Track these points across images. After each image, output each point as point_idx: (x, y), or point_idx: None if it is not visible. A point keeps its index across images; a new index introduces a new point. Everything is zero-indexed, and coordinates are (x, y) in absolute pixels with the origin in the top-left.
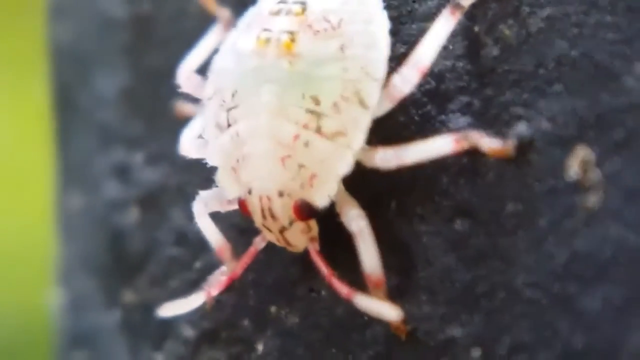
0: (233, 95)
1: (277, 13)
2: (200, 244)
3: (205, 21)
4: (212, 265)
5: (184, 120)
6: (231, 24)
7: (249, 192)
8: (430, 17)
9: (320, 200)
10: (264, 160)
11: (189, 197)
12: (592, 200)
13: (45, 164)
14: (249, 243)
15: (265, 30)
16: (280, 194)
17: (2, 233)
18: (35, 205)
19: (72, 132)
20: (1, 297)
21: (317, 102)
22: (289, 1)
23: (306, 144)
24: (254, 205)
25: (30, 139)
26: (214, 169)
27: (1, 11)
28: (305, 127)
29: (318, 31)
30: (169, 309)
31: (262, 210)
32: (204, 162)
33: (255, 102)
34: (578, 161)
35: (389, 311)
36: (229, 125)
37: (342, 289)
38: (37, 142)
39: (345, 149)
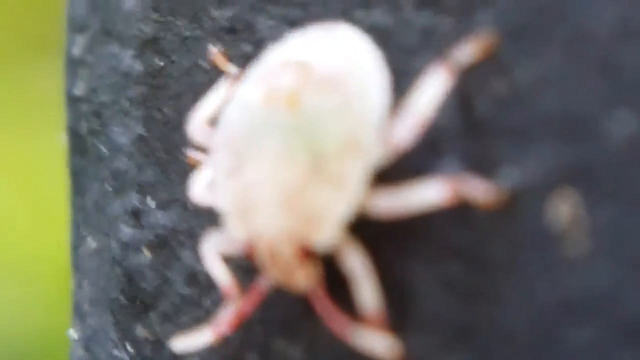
0: (240, 145)
1: (283, 67)
2: (209, 284)
3: (215, 75)
4: (221, 303)
5: (194, 168)
6: (238, 78)
7: (257, 236)
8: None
9: (324, 243)
10: (271, 206)
11: (199, 240)
12: (579, 248)
13: (62, 208)
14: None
15: (272, 84)
16: (287, 238)
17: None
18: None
19: (87, 178)
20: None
21: (321, 151)
22: (294, 57)
23: (311, 191)
24: (260, 248)
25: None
26: (222, 214)
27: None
28: (310, 174)
29: (322, 86)
30: (180, 344)
31: (269, 253)
32: (213, 207)
33: (262, 151)
34: (564, 210)
35: (386, 351)
36: (236, 174)
37: (341, 331)
38: (56, 190)
39: (347, 196)
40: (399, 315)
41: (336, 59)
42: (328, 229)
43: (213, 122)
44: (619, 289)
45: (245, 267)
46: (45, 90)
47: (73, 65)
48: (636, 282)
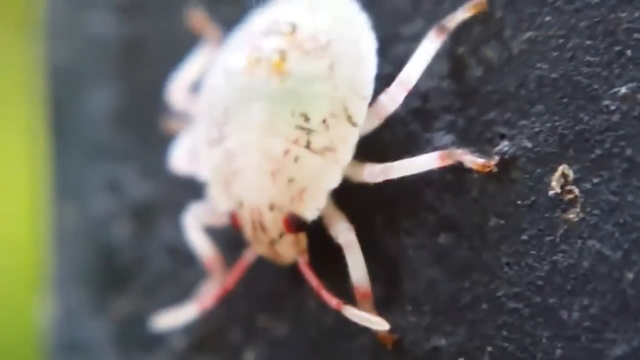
0: (224, 112)
1: (268, 33)
2: (190, 257)
3: (194, 41)
4: (202, 277)
5: (173, 137)
6: (220, 43)
7: (240, 205)
8: (416, 38)
9: (310, 214)
10: (255, 175)
11: (179, 211)
12: (571, 215)
13: (34, 179)
14: (238, 256)
15: (256, 49)
16: (271, 208)
17: None
18: (22, 219)
19: (64, 147)
20: None
21: (306, 119)
22: (279, 22)
23: (296, 159)
24: (244, 218)
25: (16, 154)
26: (203, 184)
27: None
28: (295, 142)
29: (308, 51)
30: (163, 321)
31: (253, 223)
32: (194, 177)
33: (246, 118)
34: (557, 178)
35: (376, 321)
36: (220, 141)
37: (331, 300)
38: (23, 157)
39: (333, 164)
40: (390, 289)
41: (323, 23)
42: (314, 200)
43: (194, 88)
44: (613, 255)
45: (228, 239)
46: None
47: (51, 32)
48: (628, 248)
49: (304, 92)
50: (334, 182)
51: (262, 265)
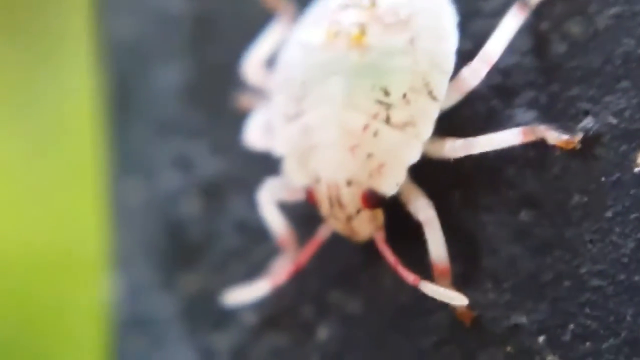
0: (302, 87)
1: (347, 7)
2: (260, 233)
3: (267, 16)
4: (273, 254)
5: (245, 113)
6: (294, 18)
7: (317, 180)
8: (497, 14)
9: (388, 189)
10: (333, 150)
11: (250, 188)
12: None
13: (100, 155)
14: (311, 232)
15: (335, 23)
16: (349, 183)
17: (57, 226)
18: (87, 196)
19: (129, 122)
20: (59, 286)
21: (386, 93)
22: None
23: (375, 134)
24: (321, 193)
25: (79, 131)
26: (275, 161)
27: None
28: (375, 117)
29: (388, 24)
30: (235, 297)
31: (330, 199)
32: (266, 154)
33: (325, 93)
34: None
35: (455, 297)
36: (297, 116)
37: (409, 276)
38: (86, 134)
39: (413, 139)
40: (469, 266)
41: None
42: (393, 175)
43: (269, 63)
44: None
45: (302, 216)
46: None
47: (115, 7)
48: None
49: (384, 66)
50: (414, 157)
51: (335, 241)
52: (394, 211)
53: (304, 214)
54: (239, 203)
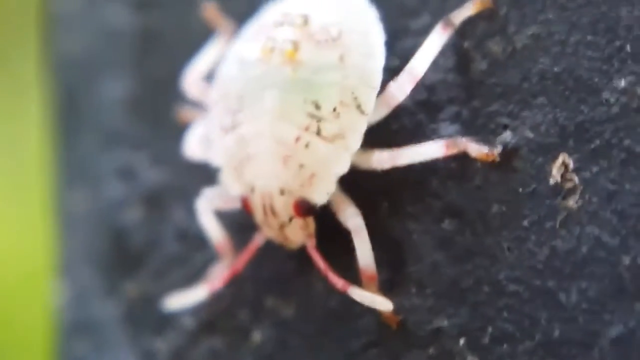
0: (238, 100)
1: (281, 24)
2: (200, 241)
3: (208, 32)
4: (211, 260)
5: (186, 125)
6: (232, 35)
7: (252, 190)
8: (423, 32)
9: (319, 198)
10: (267, 160)
11: (190, 197)
12: (571, 203)
13: (47, 166)
14: (246, 240)
15: (270, 39)
16: (282, 192)
17: (4, 233)
18: (34, 204)
19: (75, 134)
20: (6, 291)
21: (317, 106)
22: (292, 13)
23: (307, 146)
24: (255, 202)
25: (27, 141)
26: (214, 171)
27: None
28: (306, 129)
29: (319, 41)
30: (174, 302)
31: (264, 207)
32: (206, 164)
33: (260, 106)
34: (558, 167)
35: (381, 302)
36: (233, 128)
37: (338, 281)
38: (34, 145)
39: (343, 151)
40: (395, 272)
41: (334, 15)
42: (323, 185)
43: (208, 77)
44: (611, 241)
45: (238, 223)
46: None
47: (62, 22)
48: (625, 234)
49: (316, 81)
50: (343, 168)
51: (270, 248)
52: (324, 219)
53: (241, 222)
54: (180, 212)
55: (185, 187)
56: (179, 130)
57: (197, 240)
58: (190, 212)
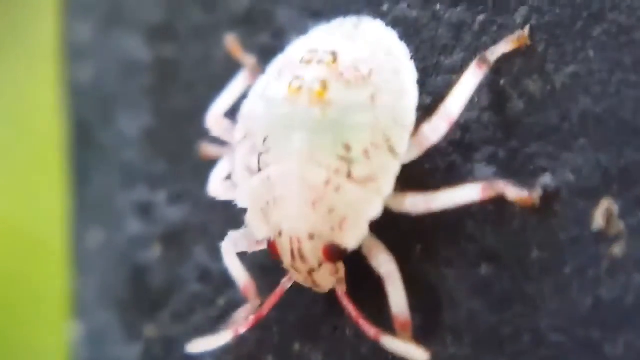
0: (264, 141)
1: (309, 62)
2: (222, 282)
3: (229, 66)
4: (234, 302)
5: (207, 162)
6: (257, 71)
7: (279, 233)
8: (456, 70)
9: (351, 243)
10: (295, 204)
11: (212, 236)
12: (616, 250)
13: (61, 201)
14: (272, 282)
15: (297, 78)
16: (311, 237)
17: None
18: (51, 242)
19: (92, 169)
20: (20, 333)
21: (348, 148)
22: (320, 50)
23: (337, 189)
24: (283, 246)
25: (44, 177)
26: (235, 209)
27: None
28: (336, 172)
29: (349, 80)
30: (197, 346)
31: (292, 252)
32: (227, 202)
33: (287, 147)
34: (602, 212)
35: (415, 352)
36: (259, 169)
37: (370, 329)
38: (51, 181)
39: (375, 194)
40: (430, 320)
41: (363, 53)
42: (354, 229)
43: (231, 114)
44: None
45: (263, 266)
46: None
47: (77, 52)
48: None
49: (346, 122)
50: (376, 212)
51: (296, 291)
52: (355, 263)
53: (263, 263)
54: (200, 251)
55: (205, 226)
56: (198, 166)
57: (219, 281)
58: (212, 252)
